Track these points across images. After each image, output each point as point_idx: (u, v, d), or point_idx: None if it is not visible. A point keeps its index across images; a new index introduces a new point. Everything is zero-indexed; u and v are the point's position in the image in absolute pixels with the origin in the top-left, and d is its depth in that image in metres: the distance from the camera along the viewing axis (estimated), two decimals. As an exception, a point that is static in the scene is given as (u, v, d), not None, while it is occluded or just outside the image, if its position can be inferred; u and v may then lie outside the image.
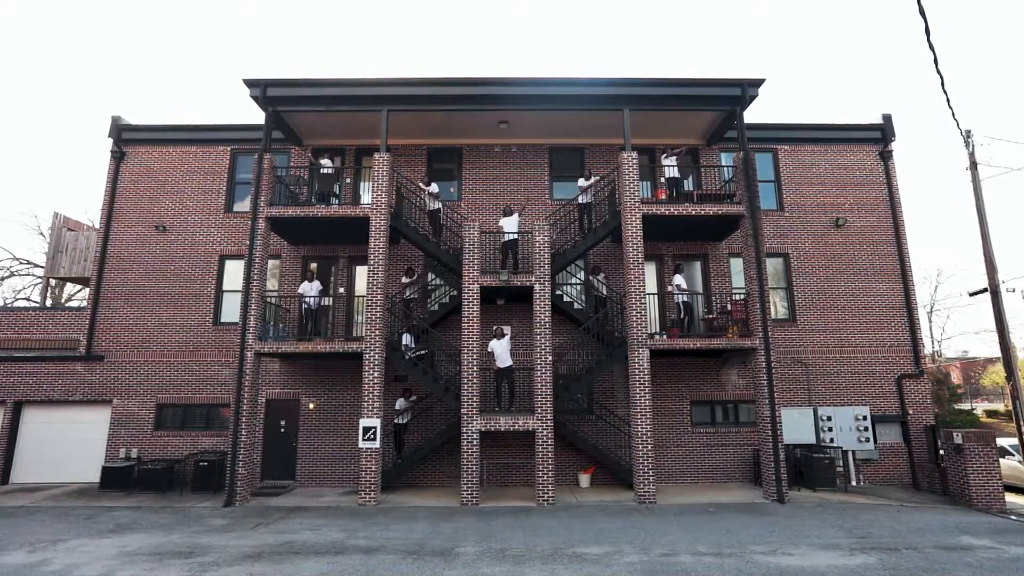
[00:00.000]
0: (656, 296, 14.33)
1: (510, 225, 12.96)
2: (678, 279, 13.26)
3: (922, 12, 5.77)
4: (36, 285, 26.99)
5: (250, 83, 12.93)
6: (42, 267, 22.57)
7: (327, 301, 13.53)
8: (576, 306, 13.91)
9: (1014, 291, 12.54)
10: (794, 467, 12.84)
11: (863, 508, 11.11)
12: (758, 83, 12.99)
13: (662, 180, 14.28)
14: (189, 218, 15.05)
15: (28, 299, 27.05)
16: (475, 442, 11.59)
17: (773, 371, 11.98)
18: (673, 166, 13.38)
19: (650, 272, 14.53)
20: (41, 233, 27.95)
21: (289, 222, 13.02)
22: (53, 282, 21.97)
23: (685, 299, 13.17)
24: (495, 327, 12.72)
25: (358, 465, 11.99)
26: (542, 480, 11.46)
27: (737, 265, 14.50)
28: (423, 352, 12.94)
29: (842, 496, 12.16)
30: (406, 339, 12.83)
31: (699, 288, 14.72)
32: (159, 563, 7.74)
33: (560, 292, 13.95)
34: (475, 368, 11.87)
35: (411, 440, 13.41)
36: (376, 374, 11.87)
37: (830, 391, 14.17)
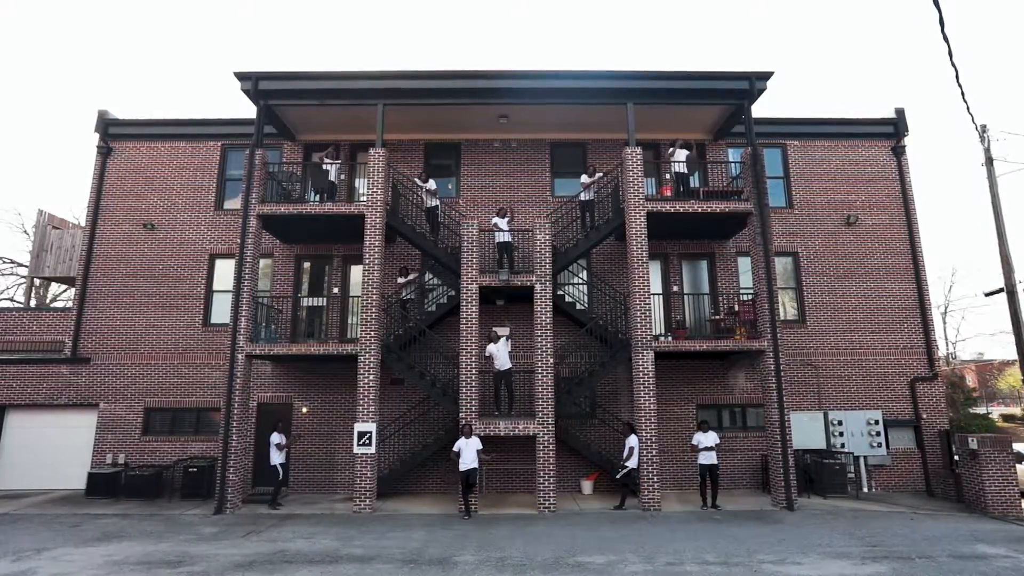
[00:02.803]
0: (661, 296, 14.33)
1: (503, 225, 12.90)
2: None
3: (936, 2, 5.78)
4: (20, 285, 26.99)
5: (241, 76, 12.92)
6: (26, 266, 22.58)
7: (321, 301, 13.53)
8: (579, 306, 13.92)
9: (1031, 291, 12.53)
10: (803, 473, 12.85)
11: (875, 515, 11.12)
12: (766, 76, 12.99)
13: (667, 176, 14.29)
14: (178, 216, 15.05)
15: (11, 299, 27.06)
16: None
17: (782, 374, 11.99)
18: (682, 162, 13.38)
19: (655, 271, 14.54)
20: (25, 231, 27.98)
21: (282, 220, 13.02)
22: (37, 282, 21.97)
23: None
24: (491, 331, 12.71)
25: (353, 471, 12.00)
26: (543, 487, 11.46)
27: (745, 264, 14.51)
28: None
29: (853, 503, 12.17)
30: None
31: (705, 288, 14.73)
32: (147, 572, 7.74)
33: (562, 292, 13.96)
34: (474, 370, 11.88)
35: (409, 445, 13.42)
36: (371, 377, 11.87)
37: (841, 394, 14.18)
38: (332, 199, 13.51)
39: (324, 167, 13.59)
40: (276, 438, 11.96)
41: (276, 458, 11.92)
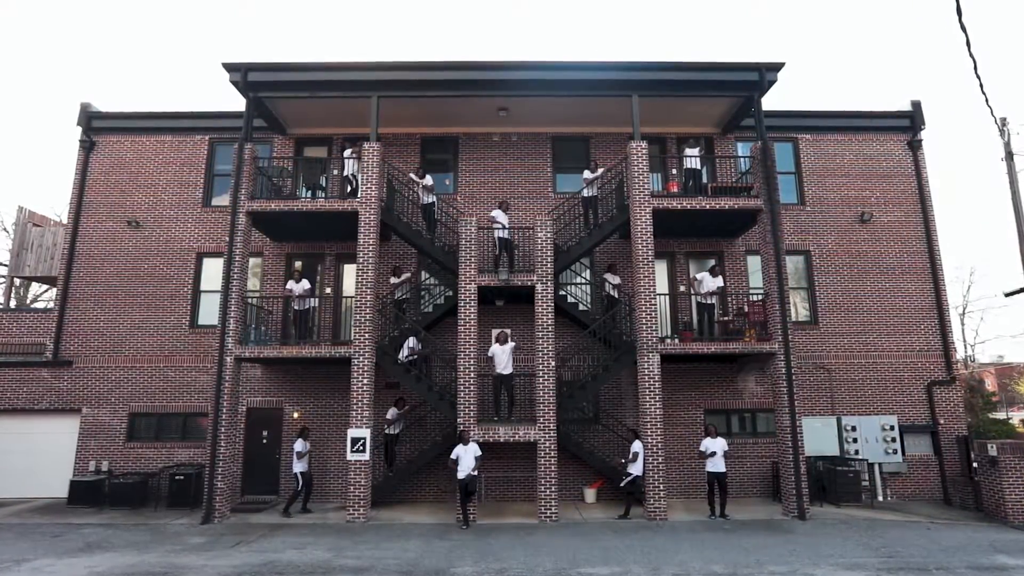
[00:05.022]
0: (668, 297, 14.34)
1: (503, 219, 12.93)
2: (713, 280, 13.06)
3: (954, -9, 5.77)
4: (-1, 285, 26.96)
5: (230, 67, 12.94)
6: (5, 265, 22.56)
7: (313, 302, 13.52)
8: (581, 307, 13.92)
9: (1053, 291, 12.54)
10: (816, 481, 12.85)
11: (890, 525, 11.13)
12: (777, 67, 13.01)
13: (674, 172, 14.30)
14: (164, 212, 15.06)
15: (-10, 300, 27.02)
16: (472, 454, 11.59)
17: (793, 377, 11.99)
18: (695, 156, 13.38)
19: (661, 271, 14.54)
20: (4, 229, 27.96)
21: (272, 217, 13.03)
22: (17, 282, 21.98)
23: (709, 301, 13.12)
24: (499, 331, 12.64)
25: (346, 479, 12.01)
26: (544, 495, 11.47)
27: (755, 263, 14.52)
28: (415, 357, 12.91)
29: (868, 512, 12.18)
30: (411, 342, 12.86)
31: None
32: (132, 584, 7.76)
33: (564, 292, 13.96)
34: (472, 374, 11.88)
35: (404, 452, 13.43)
36: (365, 381, 11.88)
37: (855, 399, 14.19)
38: (356, 196, 13.45)
39: (347, 160, 13.50)
40: (299, 446, 12.16)
41: (297, 466, 12.14)
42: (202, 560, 8.87)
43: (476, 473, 11.17)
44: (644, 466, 11.64)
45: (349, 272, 14.51)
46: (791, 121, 15.45)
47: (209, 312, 14.35)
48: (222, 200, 14.99)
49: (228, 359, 12.05)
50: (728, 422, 14.17)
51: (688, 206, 12.65)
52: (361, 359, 11.95)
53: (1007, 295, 13.04)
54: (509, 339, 12.33)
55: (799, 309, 14.75)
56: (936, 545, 9.64)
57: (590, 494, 13.22)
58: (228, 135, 15.22)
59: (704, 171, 14.77)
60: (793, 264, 14.71)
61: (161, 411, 14.09)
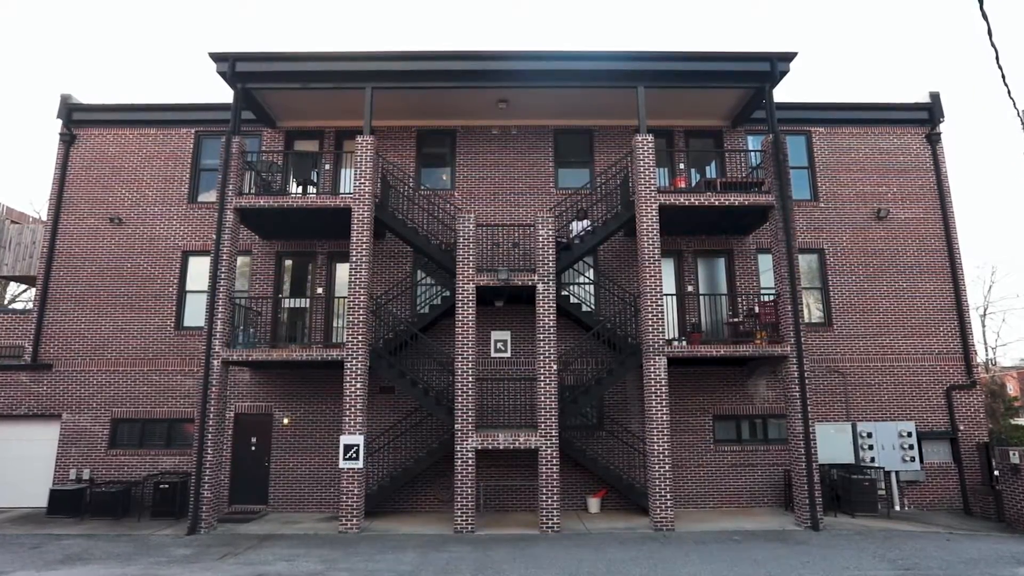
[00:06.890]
0: (675, 297, 14.34)
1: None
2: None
3: (974, -24, 5.77)
4: (-24, 285, 26.95)
5: (217, 57, 12.93)
6: (-18, 264, 22.55)
7: (304, 303, 13.53)
8: (584, 308, 13.92)
9: (1078, 291, 12.57)
10: (830, 490, 12.85)
11: (908, 536, 11.12)
12: (789, 57, 13.01)
13: (681, 166, 14.30)
14: (148, 209, 15.06)
15: (-33, 301, 27.01)
16: (471, 462, 11.60)
17: (806, 381, 11.99)
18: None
19: (668, 270, 14.55)
20: (-19, 226, 27.93)
21: (261, 214, 13.03)
22: (-5, 281, 21.99)
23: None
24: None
25: (338, 487, 12.01)
26: (546, 504, 11.47)
27: (766, 262, 14.52)
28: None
29: (884, 522, 12.18)
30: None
31: (723, 288, 14.74)
32: (114, 598, 7.74)
33: (566, 293, 13.96)
34: (470, 378, 11.88)
35: (400, 459, 13.42)
36: (359, 385, 11.87)
37: (870, 404, 14.18)
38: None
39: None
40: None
41: None
42: (187, 572, 8.86)
43: None
44: (648, 473, 11.63)
45: (342, 271, 14.52)
46: (804, 113, 15.45)
47: (195, 313, 14.34)
48: (209, 196, 15.00)
49: (215, 362, 12.04)
50: (738, 428, 14.17)
51: (696, 202, 12.64)
52: (354, 362, 11.94)
53: (1030, 295, 13.04)
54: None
55: (812, 310, 14.74)
56: (956, 557, 9.63)
57: (593, 503, 13.22)
58: (215, 128, 15.22)
59: (713, 166, 14.80)
60: (806, 263, 14.70)
61: (145, 417, 14.08)
